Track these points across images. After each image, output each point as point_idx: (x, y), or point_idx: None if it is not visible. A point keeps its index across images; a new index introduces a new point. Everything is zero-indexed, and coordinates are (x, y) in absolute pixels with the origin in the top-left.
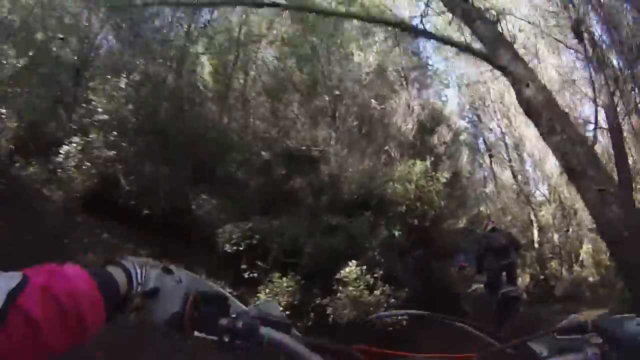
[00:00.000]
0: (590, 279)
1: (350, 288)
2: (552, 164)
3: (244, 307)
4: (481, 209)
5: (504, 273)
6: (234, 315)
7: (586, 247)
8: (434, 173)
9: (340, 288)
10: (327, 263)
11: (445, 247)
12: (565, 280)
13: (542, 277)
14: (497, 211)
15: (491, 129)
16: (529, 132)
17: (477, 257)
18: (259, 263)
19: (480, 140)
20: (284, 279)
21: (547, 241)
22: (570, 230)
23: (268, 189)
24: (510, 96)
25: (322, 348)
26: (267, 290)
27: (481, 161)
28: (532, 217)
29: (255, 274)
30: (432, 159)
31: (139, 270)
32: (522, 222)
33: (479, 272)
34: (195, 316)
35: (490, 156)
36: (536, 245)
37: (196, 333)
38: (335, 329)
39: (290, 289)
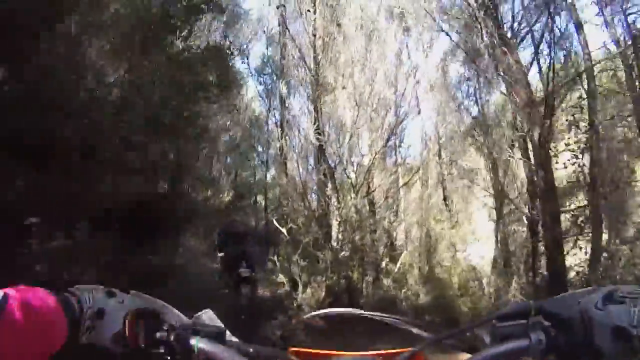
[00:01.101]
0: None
1: None
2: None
3: (183, 317)
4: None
5: (241, 258)
6: (165, 328)
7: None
8: None
9: None
10: None
11: None
12: (370, 296)
13: (344, 287)
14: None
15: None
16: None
17: (217, 241)
18: None
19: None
20: None
21: (349, 240)
22: (384, 225)
23: None
24: None
25: (256, 354)
26: None
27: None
28: (331, 208)
29: None
30: None
31: (87, 295)
32: (314, 215)
33: (220, 252)
34: (135, 332)
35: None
36: (335, 244)
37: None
38: None
39: None
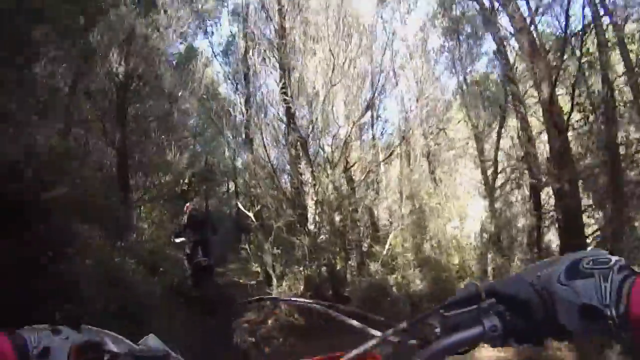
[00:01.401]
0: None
1: None
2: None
3: (130, 344)
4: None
5: (200, 247)
6: (106, 358)
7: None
8: None
9: None
10: None
11: None
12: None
13: (326, 277)
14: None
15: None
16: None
17: (177, 230)
18: None
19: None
20: None
21: (328, 222)
22: (365, 203)
23: None
24: None
25: None
26: None
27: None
28: (306, 188)
29: None
30: None
31: (32, 336)
32: (286, 196)
33: (176, 238)
34: None
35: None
36: (312, 228)
37: None
38: None
39: None
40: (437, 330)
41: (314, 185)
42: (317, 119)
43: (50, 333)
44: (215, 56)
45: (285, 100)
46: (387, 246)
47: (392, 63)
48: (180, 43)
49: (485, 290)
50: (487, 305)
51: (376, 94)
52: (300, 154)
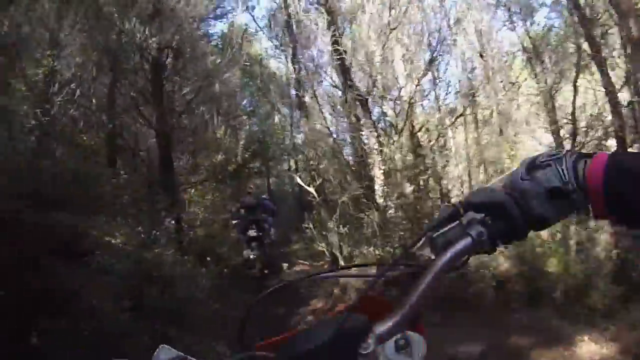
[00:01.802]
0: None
1: None
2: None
3: None
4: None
5: (253, 225)
6: None
7: None
8: None
9: None
10: None
11: None
12: None
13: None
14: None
15: None
16: None
17: (234, 212)
18: None
19: None
20: None
21: (399, 195)
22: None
23: None
24: None
25: None
26: None
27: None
28: (371, 159)
29: None
30: None
31: None
32: (350, 168)
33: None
34: None
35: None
36: (380, 201)
37: None
38: None
39: None
40: (429, 256)
41: (381, 151)
42: (375, 80)
43: None
44: (260, 30)
45: (340, 64)
46: None
47: (449, 17)
48: (221, 20)
49: (464, 203)
50: (468, 217)
51: (436, 51)
52: (362, 121)
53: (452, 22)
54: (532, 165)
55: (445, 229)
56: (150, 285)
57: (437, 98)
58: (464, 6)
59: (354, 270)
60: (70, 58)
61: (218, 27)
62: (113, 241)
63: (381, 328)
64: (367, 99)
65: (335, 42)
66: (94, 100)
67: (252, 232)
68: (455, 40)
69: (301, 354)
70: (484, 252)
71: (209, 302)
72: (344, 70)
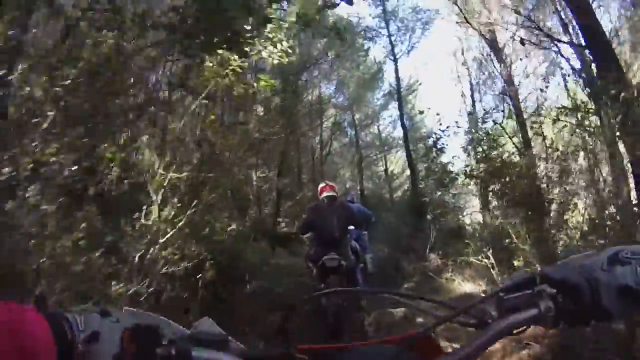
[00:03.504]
0: None
1: None
2: None
3: (182, 329)
4: None
5: (329, 245)
6: (165, 343)
7: None
8: None
9: None
10: None
11: None
12: None
13: None
14: None
15: None
16: None
17: (303, 221)
18: None
19: None
20: None
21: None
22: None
23: None
24: None
25: (262, 358)
26: None
27: None
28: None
29: None
30: None
31: (78, 318)
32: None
33: (302, 234)
34: (134, 351)
35: None
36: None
37: None
38: None
39: None
40: (493, 313)
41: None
42: None
43: (99, 315)
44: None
45: None
46: None
47: None
48: None
49: (539, 275)
50: (542, 289)
51: None
52: None
53: None
54: (615, 257)
55: (517, 294)
56: None
57: None
58: None
59: (420, 302)
60: None
61: None
62: None
63: None
64: None
65: None
66: None
67: (327, 259)
68: None
69: None
70: (544, 326)
71: None
72: None
